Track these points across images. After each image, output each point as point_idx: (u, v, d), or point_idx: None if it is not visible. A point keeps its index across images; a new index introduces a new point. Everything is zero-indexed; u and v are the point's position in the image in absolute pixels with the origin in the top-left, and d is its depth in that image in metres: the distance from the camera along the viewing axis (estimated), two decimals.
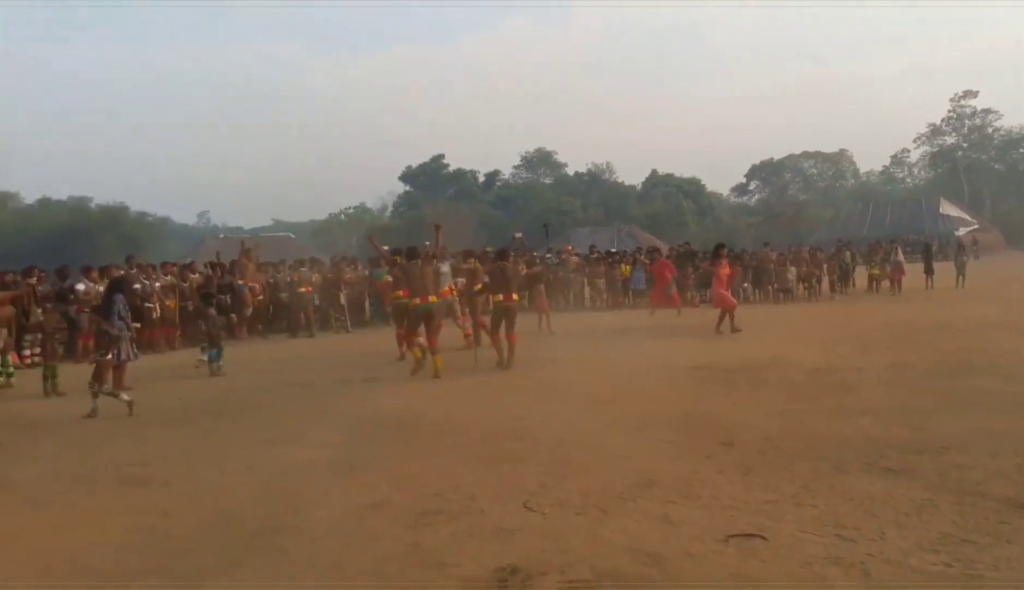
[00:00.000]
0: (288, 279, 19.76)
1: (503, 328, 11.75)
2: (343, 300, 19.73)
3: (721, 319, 14.94)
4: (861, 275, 26.70)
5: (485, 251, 20.18)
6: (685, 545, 4.39)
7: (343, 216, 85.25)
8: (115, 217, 64.09)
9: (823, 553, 4.17)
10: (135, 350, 10.61)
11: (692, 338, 14.46)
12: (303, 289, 19.20)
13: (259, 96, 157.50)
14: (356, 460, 6.56)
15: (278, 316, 19.92)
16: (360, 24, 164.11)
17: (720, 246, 16.60)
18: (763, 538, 4.41)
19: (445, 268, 13.50)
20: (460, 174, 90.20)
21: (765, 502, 5.05)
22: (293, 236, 61.01)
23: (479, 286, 13.33)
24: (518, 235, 27.30)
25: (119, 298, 10.14)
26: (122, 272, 15.81)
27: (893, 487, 5.21)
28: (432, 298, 11.58)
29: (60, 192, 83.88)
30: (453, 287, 13.97)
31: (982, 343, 12.06)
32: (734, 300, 15.70)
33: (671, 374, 10.43)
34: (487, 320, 12.69)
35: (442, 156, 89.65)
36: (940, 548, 4.17)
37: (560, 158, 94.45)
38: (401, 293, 12.66)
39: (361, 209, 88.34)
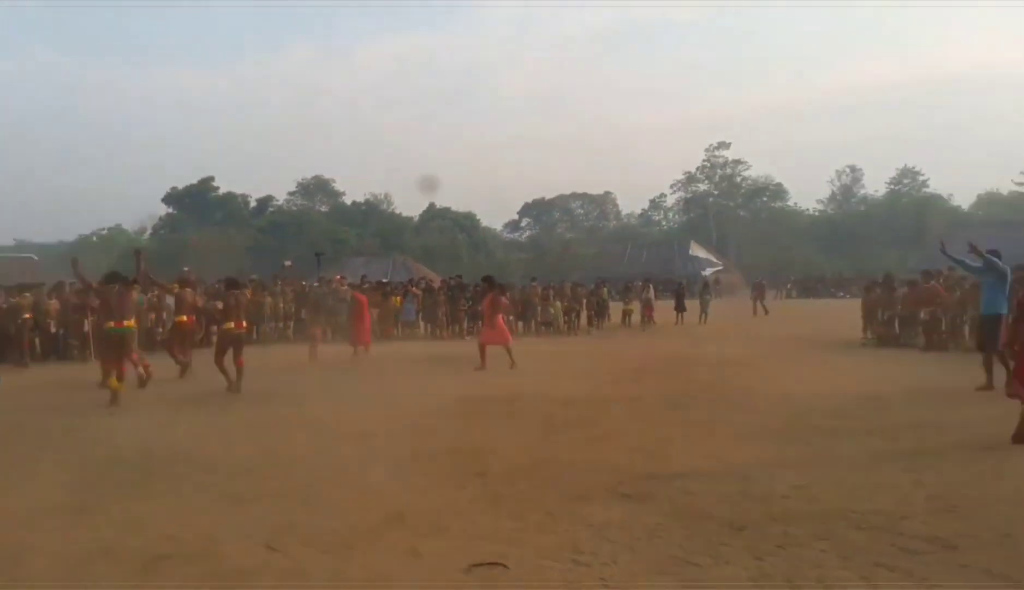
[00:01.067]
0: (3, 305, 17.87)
1: (230, 353, 12.35)
2: (87, 327, 18.14)
3: (483, 354, 14.78)
4: (615, 310, 28.25)
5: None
6: (427, 577, 4.39)
7: (95, 237, 79.39)
8: None
9: (560, 578, 4.32)
10: None
11: (459, 370, 14.63)
12: (25, 315, 17.53)
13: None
14: (85, 503, 6.03)
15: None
16: (130, 38, 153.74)
17: (489, 278, 16.98)
18: (505, 566, 4.50)
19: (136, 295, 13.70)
20: (229, 198, 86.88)
21: (511, 530, 5.17)
22: (36, 258, 55.80)
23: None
24: (287, 263, 26.64)
25: None
26: None
27: (630, 513, 5.50)
28: (127, 323, 11.62)
29: None
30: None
31: (720, 376, 13.11)
32: (508, 335, 15.66)
33: (436, 406, 10.47)
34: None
35: (212, 178, 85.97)
36: (667, 570, 4.44)
37: (338, 186, 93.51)
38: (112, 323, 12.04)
39: (117, 230, 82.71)
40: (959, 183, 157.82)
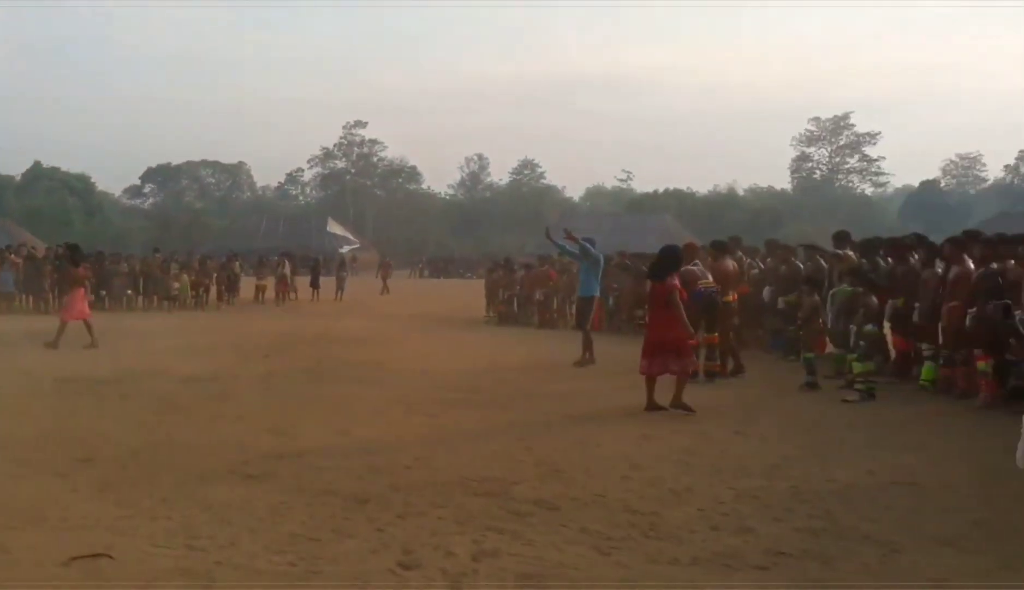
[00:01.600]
0: None
1: None
2: None
3: (61, 333, 13.28)
4: (248, 286, 27.34)
5: None
6: (23, 573, 3.93)
7: None
8: None
9: (172, 565, 4.08)
10: None
11: (66, 349, 13.19)
12: None
13: None
14: None
15: None
16: None
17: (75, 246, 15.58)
18: (110, 557, 4.16)
19: None
20: None
21: (119, 518, 4.79)
22: None
23: None
24: None
25: None
26: None
27: (252, 493, 5.34)
28: None
29: None
30: None
31: (354, 352, 13.23)
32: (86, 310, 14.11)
33: (34, 388, 9.40)
34: None
35: None
36: (287, 549, 4.37)
37: None
38: None
39: None
40: (570, 177, 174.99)
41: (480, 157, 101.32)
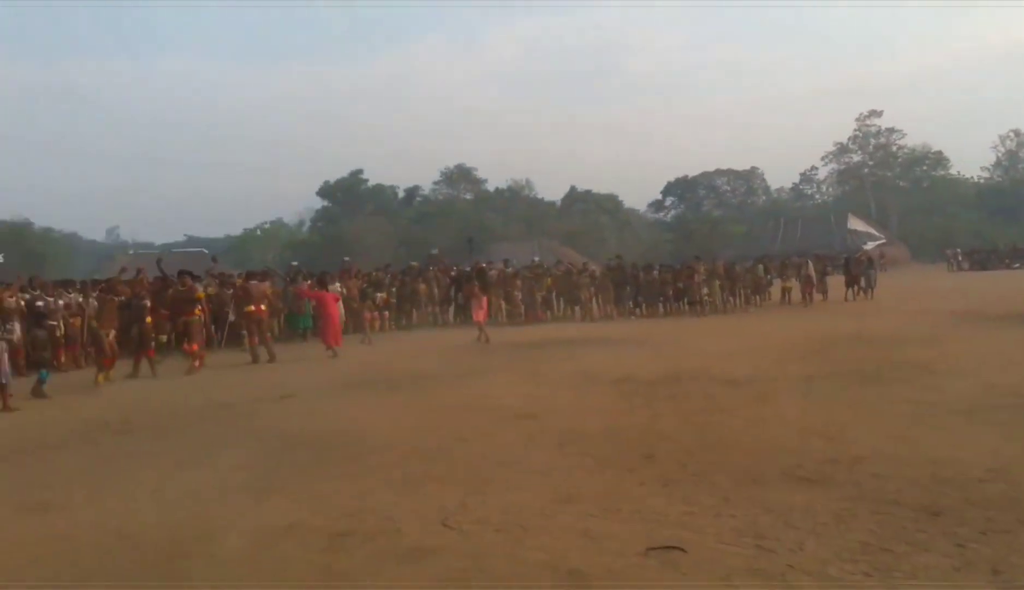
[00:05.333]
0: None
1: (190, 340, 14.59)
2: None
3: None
4: (775, 288, 27.25)
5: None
6: (606, 560, 4.32)
7: (259, 231, 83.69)
8: (19, 234, 61.87)
9: (743, 565, 4.15)
10: (9, 370, 10.72)
11: (611, 351, 14.51)
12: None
13: (172, 110, 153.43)
14: (269, 482, 6.32)
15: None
16: (275, 38, 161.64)
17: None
18: (683, 550, 4.37)
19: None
20: (379, 189, 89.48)
21: (685, 514, 5.03)
22: (207, 251, 59.46)
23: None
24: (434, 251, 27.36)
25: None
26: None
27: (812, 498, 5.23)
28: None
29: None
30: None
31: (893, 354, 12.36)
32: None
33: (593, 387, 10.41)
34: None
35: (360, 171, 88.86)
36: (859, 558, 4.19)
37: (480, 174, 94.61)
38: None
39: (278, 224, 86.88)
40: None
41: (1017, 134, 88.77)
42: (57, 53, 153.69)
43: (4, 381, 10.45)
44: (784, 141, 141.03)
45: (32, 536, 5.25)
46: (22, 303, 15.39)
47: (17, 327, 14.76)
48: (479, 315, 18.31)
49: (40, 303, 15.67)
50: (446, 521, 5.06)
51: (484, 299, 18.70)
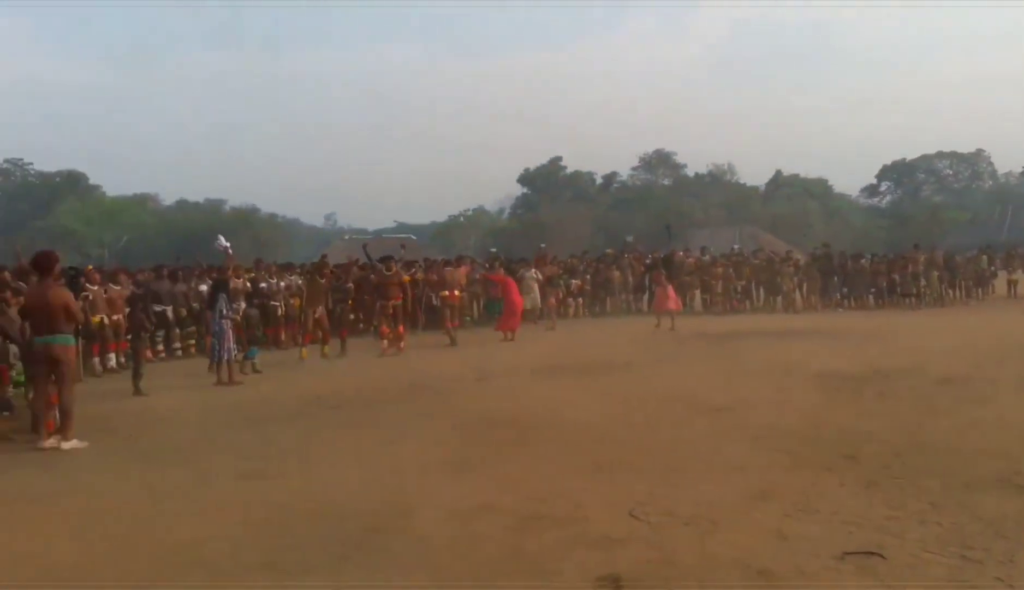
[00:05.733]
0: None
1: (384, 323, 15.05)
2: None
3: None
4: (1000, 281, 25.16)
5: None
6: (798, 561, 4.17)
7: (462, 218, 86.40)
8: (247, 219, 67.28)
9: (946, 575, 3.89)
10: (234, 346, 11.57)
11: (815, 343, 13.90)
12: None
13: (384, 100, 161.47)
14: (466, 460, 6.57)
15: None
16: (481, 28, 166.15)
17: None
18: (882, 557, 4.15)
19: None
20: (577, 176, 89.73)
21: (887, 518, 4.76)
22: (415, 237, 62.23)
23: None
24: (629, 238, 27.18)
25: (221, 297, 11.05)
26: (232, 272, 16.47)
27: None
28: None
29: (196, 194, 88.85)
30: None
31: None
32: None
33: (793, 381, 10.05)
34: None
35: (560, 158, 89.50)
36: None
37: (679, 159, 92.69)
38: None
39: (480, 211, 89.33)
40: None
41: None
42: (282, 44, 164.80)
43: (229, 357, 11.42)
44: (1016, 120, 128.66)
45: (247, 502, 5.67)
46: (248, 284, 16.73)
47: (243, 306, 16.05)
48: (665, 304, 18.00)
49: (263, 284, 17.03)
50: (634, 511, 5.05)
51: (669, 287, 18.31)
